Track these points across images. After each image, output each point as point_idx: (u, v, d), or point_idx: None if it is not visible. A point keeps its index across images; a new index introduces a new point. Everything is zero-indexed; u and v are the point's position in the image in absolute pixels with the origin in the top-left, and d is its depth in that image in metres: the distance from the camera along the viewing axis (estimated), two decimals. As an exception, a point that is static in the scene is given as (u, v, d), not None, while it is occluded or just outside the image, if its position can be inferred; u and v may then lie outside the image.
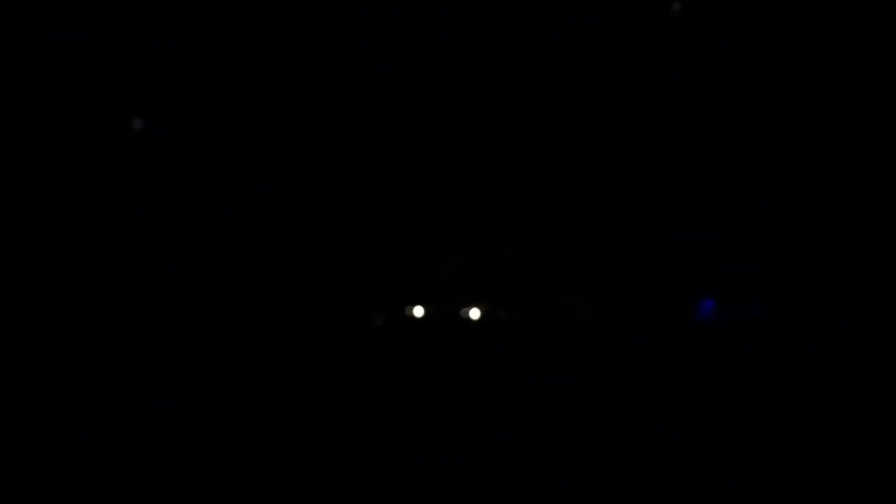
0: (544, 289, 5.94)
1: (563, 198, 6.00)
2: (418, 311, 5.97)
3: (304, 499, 5.40)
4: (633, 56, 5.94)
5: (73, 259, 5.99)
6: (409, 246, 6.05)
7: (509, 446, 5.56)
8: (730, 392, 5.64)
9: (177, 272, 6.03)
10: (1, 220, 6.00)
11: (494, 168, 6.03)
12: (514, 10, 5.95)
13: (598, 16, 5.93)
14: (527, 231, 6.00)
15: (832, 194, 5.83)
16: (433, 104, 6.05)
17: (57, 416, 5.64)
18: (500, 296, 5.97)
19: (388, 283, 6.02)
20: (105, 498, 5.30)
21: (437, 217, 6.04)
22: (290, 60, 6.06)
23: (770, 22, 5.88)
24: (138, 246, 6.03)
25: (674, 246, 5.92)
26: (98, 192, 6.05)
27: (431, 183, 6.05)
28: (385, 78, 6.04)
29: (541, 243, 5.98)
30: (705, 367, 5.74)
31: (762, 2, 5.86)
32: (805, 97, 5.89)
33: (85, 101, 6.06)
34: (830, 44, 5.82)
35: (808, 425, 5.47)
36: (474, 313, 5.95)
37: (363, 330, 5.99)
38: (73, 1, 5.98)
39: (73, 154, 6.07)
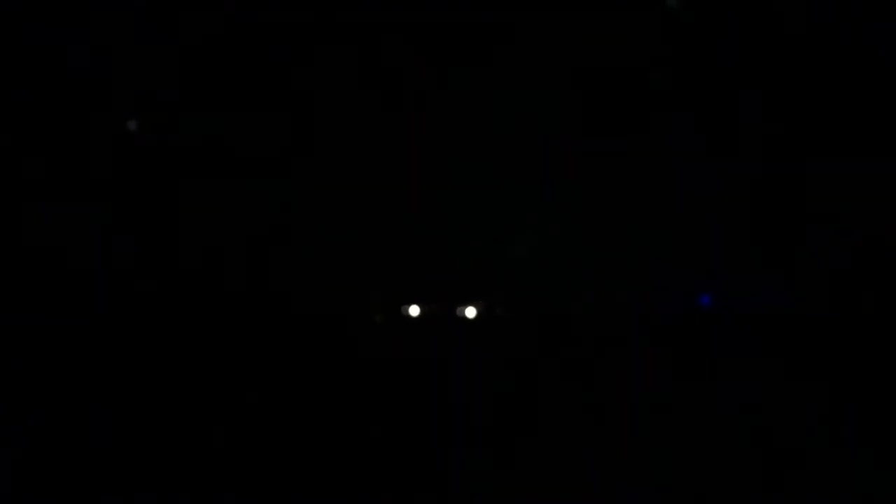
0: (546, 283, 5.98)
1: (565, 191, 5.96)
2: (414, 311, 5.98)
3: (304, 499, 5.60)
4: (633, 51, 5.80)
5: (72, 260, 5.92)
6: (408, 242, 6.00)
7: (509, 444, 5.76)
8: (735, 387, 5.82)
9: (174, 268, 5.97)
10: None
11: (497, 163, 5.96)
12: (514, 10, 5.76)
13: (599, 14, 5.76)
14: (530, 226, 5.98)
15: (834, 185, 5.86)
16: (432, 100, 5.92)
17: (56, 417, 5.70)
18: (502, 290, 5.99)
19: (386, 281, 6.00)
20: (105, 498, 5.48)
21: (437, 213, 5.99)
22: (290, 59, 5.94)
23: (771, 22, 5.76)
24: (135, 244, 5.95)
25: (677, 239, 5.95)
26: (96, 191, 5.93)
27: (431, 179, 5.97)
28: (386, 73, 5.88)
29: (544, 238, 5.98)
30: (708, 361, 5.88)
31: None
32: (805, 94, 5.83)
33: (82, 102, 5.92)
34: (831, 45, 5.73)
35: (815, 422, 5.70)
36: (470, 312, 5.98)
37: (361, 329, 6.01)
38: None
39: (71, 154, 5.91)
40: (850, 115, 5.82)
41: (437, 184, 5.96)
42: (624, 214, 5.95)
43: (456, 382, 5.87)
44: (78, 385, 5.76)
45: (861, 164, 5.81)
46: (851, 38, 5.73)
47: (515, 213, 5.96)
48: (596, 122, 5.92)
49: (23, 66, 5.83)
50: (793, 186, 5.87)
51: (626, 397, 5.79)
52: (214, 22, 5.87)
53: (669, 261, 5.94)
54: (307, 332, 5.96)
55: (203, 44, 5.89)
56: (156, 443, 5.61)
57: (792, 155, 5.87)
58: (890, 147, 5.80)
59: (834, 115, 5.83)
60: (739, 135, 5.89)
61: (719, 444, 5.63)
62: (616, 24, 5.78)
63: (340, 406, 5.81)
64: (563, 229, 5.96)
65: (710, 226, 5.92)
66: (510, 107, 5.93)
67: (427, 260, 6.01)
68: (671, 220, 5.93)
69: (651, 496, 5.54)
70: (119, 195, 5.92)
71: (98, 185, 5.91)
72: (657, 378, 5.84)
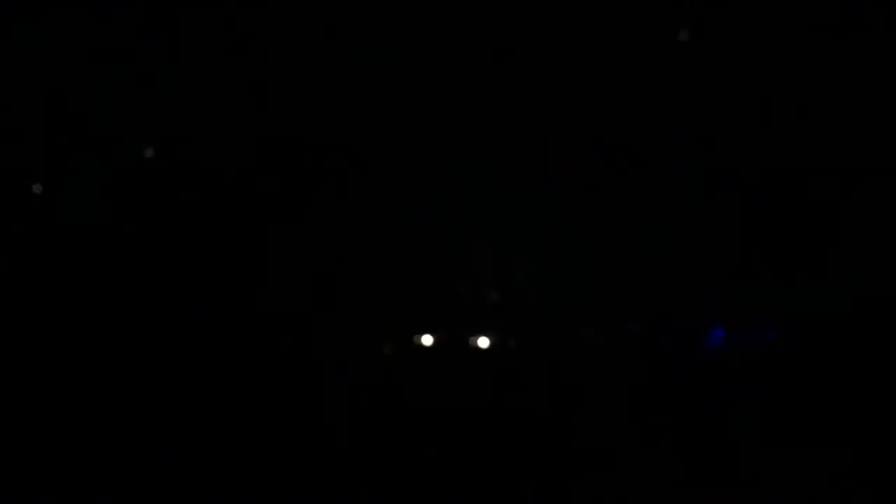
0: (557, 315, 6.00)
1: (578, 223, 5.98)
2: (427, 340, 6.01)
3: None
4: (643, 85, 5.82)
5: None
6: (420, 272, 6.03)
7: (519, 475, 5.77)
8: (744, 421, 5.80)
9: (181, 295, 6.01)
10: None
11: (509, 193, 5.98)
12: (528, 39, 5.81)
13: (607, 42, 5.79)
14: (541, 257, 6.00)
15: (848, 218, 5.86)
16: (446, 128, 5.95)
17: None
18: (513, 322, 6.01)
19: (397, 310, 6.03)
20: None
21: (449, 241, 6.01)
22: (300, 85, 5.95)
23: (780, 52, 5.76)
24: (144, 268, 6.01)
25: (689, 271, 5.94)
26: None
27: (443, 207, 6.00)
28: (400, 99, 5.93)
29: (555, 269, 6.00)
30: (720, 394, 5.87)
31: (771, 31, 5.73)
32: (818, 126, 5.83)
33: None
34: (840, 82, 5.74)
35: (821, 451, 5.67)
36: (483, 342, 6.00)
37: (371, 357, 6.04)
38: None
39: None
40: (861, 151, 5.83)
41: (448, 210, 6.01)
42: (632, 245, 5.96)
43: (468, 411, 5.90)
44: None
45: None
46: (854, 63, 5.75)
47: (524, 242, 6.00)
48: (605, 156, 5.94)
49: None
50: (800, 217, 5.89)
51: (634, 431, 5.80)
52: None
53: (678, 293, 5.95)
54: (316, 360, 5.99)
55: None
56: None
57: (801, 189, 5.88)
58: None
59: (844, 150, 5.84)
60: (749, 170, 5.91)
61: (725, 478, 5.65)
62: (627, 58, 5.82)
63: (348, 434, 5.85)
64: (572, 260, 5.99)
65: (718, 258, 5.92)
66: (521, 144, 5.99)
67: (439, 290, 6.04)
68: (679, 252, 5.94)
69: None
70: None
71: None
72: (667, 412, 5.85)
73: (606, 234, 5.97)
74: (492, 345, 5.99)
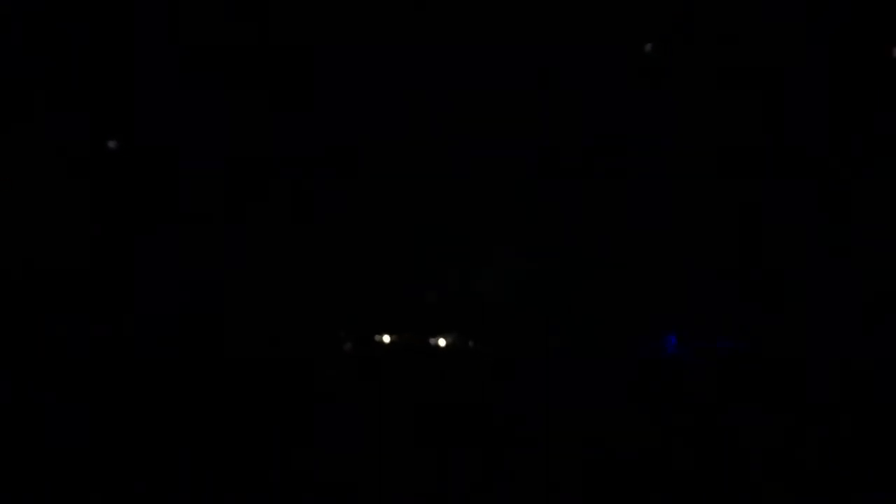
0: (519, 318, 6.06)
1: (540, 228, 6.06)
2: (386, 339, 6.07)
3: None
4: (608, 95, 5.93)
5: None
6: (384, 273, 6.10)
7: (479, 475, 5.79)
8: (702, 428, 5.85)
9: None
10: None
11: (474, 200, 6.06)
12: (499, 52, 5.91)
13: (576, 60, 5.90)
14: (502, 260, 6.08)
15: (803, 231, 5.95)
16: (415, 135, 6.04)
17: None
18: (474, 325, 6.07)
19: (360, 310, 6.09)
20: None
21: (413, 245, 6.08)
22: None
23: (748, 63, 5.87)
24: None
25: (645, 276, 6.02)
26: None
27: (410, 211, 6.08)
28: (370, 104, 6.01)
29: (516, 273, 6.07)
30: (674, 398, 5.93)
31: (738, 40, 5.84)
32: (778, 132, 5.93)
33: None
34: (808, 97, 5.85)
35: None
36: (441, 342, 6.06)
37: (333, 356, 6.09)
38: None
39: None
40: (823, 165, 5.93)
41: (412, 214, 6.09)
42: (594, 255, 6.05)
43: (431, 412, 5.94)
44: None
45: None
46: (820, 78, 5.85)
47: (487, 249, 6.07)
48: (569, 166, 6.03)
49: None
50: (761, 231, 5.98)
51: (592, 435, 5.84)
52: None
53: (636, 303, 6.03)
54: (277, 361, 6.04)
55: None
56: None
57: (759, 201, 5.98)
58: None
59: (805, 165, 5.94)
60: (710, 181, 6.00)
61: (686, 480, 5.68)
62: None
63: (309, 433, 5.87)
64: (534, 268, 6.06)
65: (678, 269, 6.00)
66: (488, 151, 6.07)
67: (402, 291, 6.11)
68: (640, 261, 6.02)
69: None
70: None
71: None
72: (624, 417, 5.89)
73: (571, 239, 6.06)
74: (450, 345, 6.05)
